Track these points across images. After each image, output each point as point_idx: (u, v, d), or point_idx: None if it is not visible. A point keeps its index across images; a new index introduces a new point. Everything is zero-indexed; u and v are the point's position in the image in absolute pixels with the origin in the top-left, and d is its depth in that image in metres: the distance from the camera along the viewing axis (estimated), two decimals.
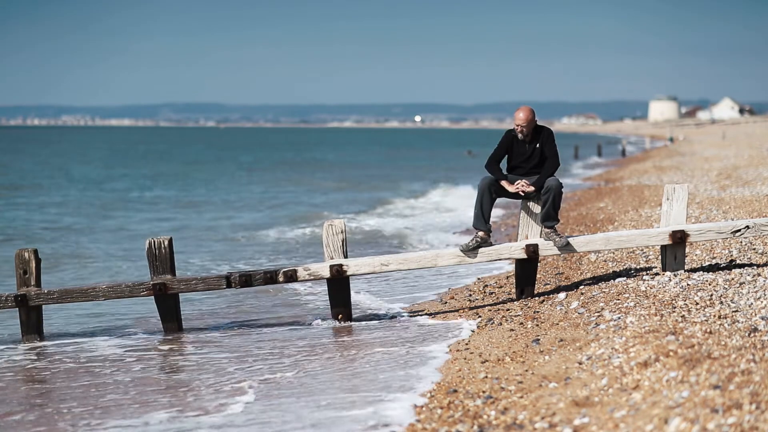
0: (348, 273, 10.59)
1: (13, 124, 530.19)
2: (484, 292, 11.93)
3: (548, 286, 11.35)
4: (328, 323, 10.77)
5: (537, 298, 10.67)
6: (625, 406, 5.73)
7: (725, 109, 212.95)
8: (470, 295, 11.91)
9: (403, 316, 11.10)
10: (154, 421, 7.16)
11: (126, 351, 9.97)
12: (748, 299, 8.57)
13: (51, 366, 9.43)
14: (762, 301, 8.38)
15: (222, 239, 21.29)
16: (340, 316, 10.76)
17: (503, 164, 10.65)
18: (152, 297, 10.73)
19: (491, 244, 10.52)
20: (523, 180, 10.34)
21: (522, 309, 10.23)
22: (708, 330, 7.27)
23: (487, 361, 8.01)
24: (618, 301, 9.22)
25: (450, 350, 8.80)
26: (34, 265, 10.69)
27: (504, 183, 10.37)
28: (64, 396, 8.16)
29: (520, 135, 10.41)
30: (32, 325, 10.67)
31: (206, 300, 12.95)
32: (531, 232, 10.56)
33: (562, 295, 10.38)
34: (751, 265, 10.56)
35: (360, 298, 12.46)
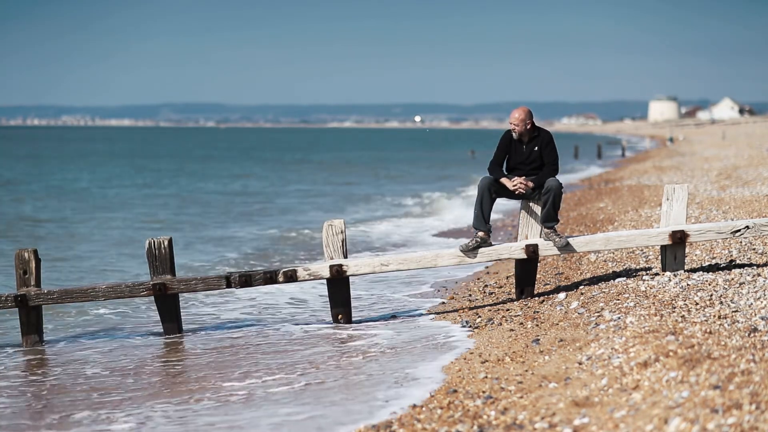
0: (348, 273, 10.58)
1: (13, 124, 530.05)
2: (484, 292, 11.94)
3: (548, 286, 11.35)
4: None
5: (537, 298, 10.66)
6: (625, 406, 5.73)
7: (725, 109, 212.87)
8: (470, 295, 11.92)
9: (403, 316, 11.10)
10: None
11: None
12: (748, 299, 8.57)
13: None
14: (762, 301, 8.38)
15: None
16: (339, 316, 10.76)
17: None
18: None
19: (491, 245, 10.52)
20: (522, 177, 10.35)
21: (522, 309, 10.23)
22: (708, 330, 7.27)
23: (487, 361, 8.00)
24: (618, 301, 9.21)
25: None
26: (33, 265, 10.69)
27: (504, 180, 10.38)
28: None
29: (514, 134, 10.43)
30: (32, 326, 10.66)
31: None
32: (531, 232, 10.56)
33: (562, 295, 10.37)
34: (751, 265, 10.56)
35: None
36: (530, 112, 10.45)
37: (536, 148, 10.42)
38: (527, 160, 10.43)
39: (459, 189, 36.11)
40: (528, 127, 10.41)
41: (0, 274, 15.29)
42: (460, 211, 26.50)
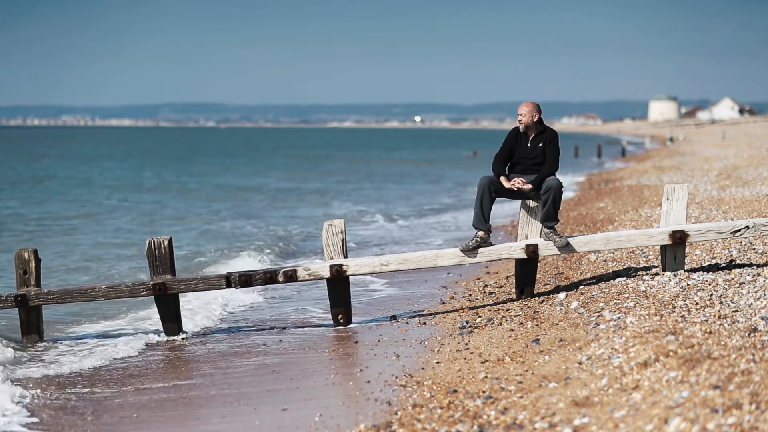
0: (348, 273, 10.58)
1: (13, 124, 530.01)
2: (484, 292, 11.93)
3: (548, 286, 11.35)
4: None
5: (537, 298, 10.66)
6: (625, 406, 5.73)
7: (725, 109, 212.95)
8: (470, 295, 11.91)
9: (403, 316, 11.10)
10: None
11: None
12: (748, 299, 8.57)
13: None
14: (762, 301, 8.38)
15: None
16: (339, 316, 10.76)
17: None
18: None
19: (491, 244, 10.52)
20: (520, 177, 10.35)
21: (522, 309, 10.23)
22: (708, 330, 7.27)
23: (487, 361, 8.00)
24: (618, 301, 9.21)
25: (450, 350, 8.80)
26: (33, 265, 10.68)
27: (502, 179, 10.38)
28: None
29: (520, 126, 10.46)
30: (32, 325, 10.66)
31: None
32: (531, 232, 10.56)
33: (562, 295, 10.37)
34: (751, 265, 10.56)
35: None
36: (538, 105, 10.48)
37: (540, 144, 10.43)
38: (530, 155, 10.43)
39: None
40: (535, 119, 10.41)
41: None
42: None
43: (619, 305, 8.98)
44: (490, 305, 10.92)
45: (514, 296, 11.10)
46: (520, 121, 10.48)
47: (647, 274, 10.63)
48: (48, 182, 44.15)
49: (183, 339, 10.60)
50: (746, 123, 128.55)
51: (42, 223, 25.05)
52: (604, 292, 9.98)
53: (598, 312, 8.94)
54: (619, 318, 8.35)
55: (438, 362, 8.30)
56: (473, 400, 6.74)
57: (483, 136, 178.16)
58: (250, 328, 11.18)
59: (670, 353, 6.55)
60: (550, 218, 10.37)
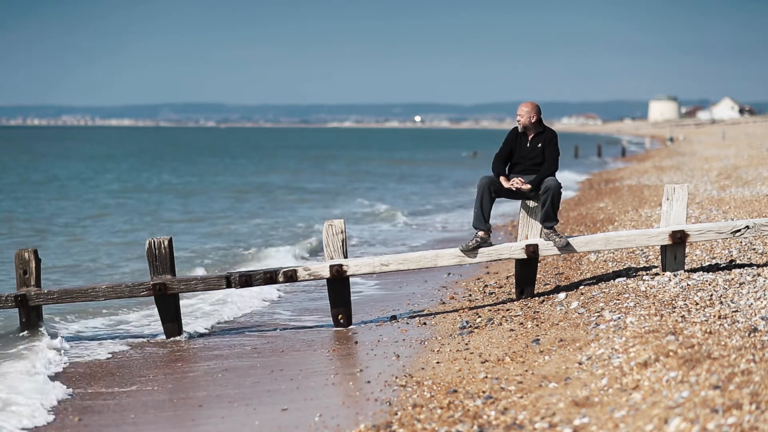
0: (348, 273, 10.58)
1: (13, 124, 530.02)
2: (484, 292, 11.93)
3: (548, 286, 11.34)
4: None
5: (537, 298, 10.66)
6: (625, 406, 5.73)
7: (725, 109, 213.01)
8: (470, 295, 11.91)
9: (403, 316, 11.10)
10: None
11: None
12: (748, 299, 8.57)
13: None
14: (762, 301, 8.38)
15: None
16: (339, 316, 10.75)
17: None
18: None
19: (491, 244, 10.51)
20: (519, 177, 10.35)
21: (522, 309, 10.22)
22: (708, 330, 7.27)
23: (487, 361, 8.00)
24: (618, 301, 9.21)
25: (450, 350, 8.80)
26: (33, 265, 10.68)
27: (501, 179, 10.38)
28: None
29: (519, 127, 10.46)
30: (32, 325, 10.65)
31: None
32: (531, 232, 10.55)
33: (562, 295, 10.37)
34: (751, 265, 10.56)
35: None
36: (538, 106, 10.48)
37: (539, 144, 10.43)
38: (529, 155, 10.43)
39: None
40: (533, 120, 10.41)
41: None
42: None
43: (619, 305, 8.98)
44: (490, 305, 10.92)
45: (514, 296, 11.10)
46: (518, 121, 10.48)
47: (647, 274, 10.62)
48: (48, 182, 44.16)
49: (183, 339, 10.60)
50: (746, 123, 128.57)
51: (42, 223, 25.05)
52: (604, 292, 9.98)
53: (598, 312, 8.94)
54: (619, 318, 8.35)
55: (438, 362, 8.30)
56: (473, 400, 6.74)
57: (483, 136, 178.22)
58: (249, 328, 11.19)
59: (670, 353, 6.54)
60: (549, 218, 10.37)
